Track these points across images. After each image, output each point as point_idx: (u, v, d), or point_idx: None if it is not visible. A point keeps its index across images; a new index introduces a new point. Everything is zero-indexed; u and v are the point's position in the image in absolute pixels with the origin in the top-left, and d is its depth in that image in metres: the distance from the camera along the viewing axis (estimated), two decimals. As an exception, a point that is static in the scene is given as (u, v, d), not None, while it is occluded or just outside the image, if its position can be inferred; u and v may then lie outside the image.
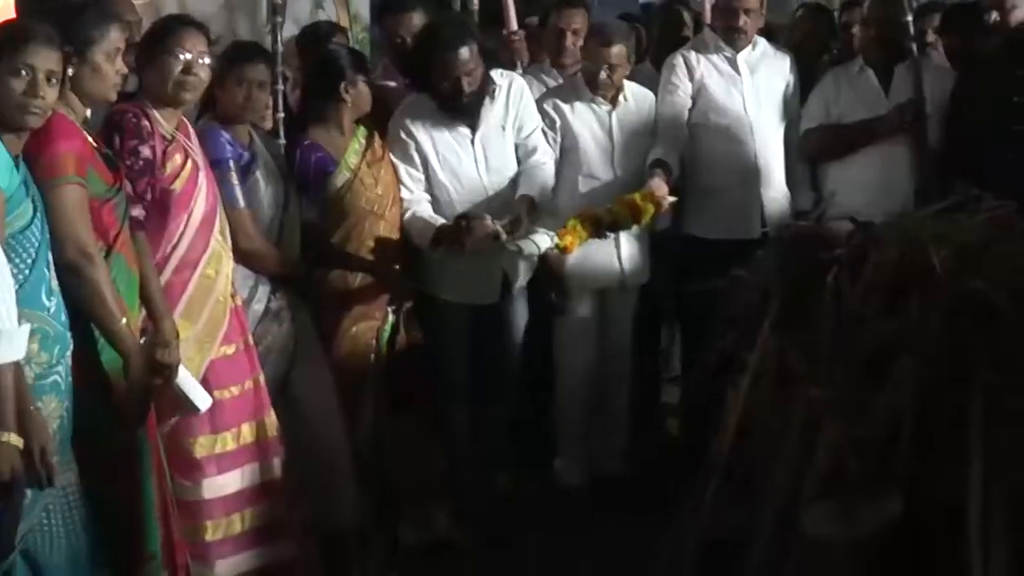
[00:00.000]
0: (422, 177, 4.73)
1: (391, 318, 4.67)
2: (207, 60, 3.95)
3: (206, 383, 3.91)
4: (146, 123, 3.84)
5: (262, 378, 4.12)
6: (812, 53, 5.83)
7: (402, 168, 4.71)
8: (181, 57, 3.87)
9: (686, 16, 6.09)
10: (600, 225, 4.71)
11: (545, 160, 4.89)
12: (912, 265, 3.44)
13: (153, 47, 3.92)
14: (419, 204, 4.69)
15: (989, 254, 3.38)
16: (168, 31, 3.95)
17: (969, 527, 3.18)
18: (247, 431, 4.05)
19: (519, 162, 4.87)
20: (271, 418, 4.12)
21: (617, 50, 5.04)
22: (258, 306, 4.27)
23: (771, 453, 3.64)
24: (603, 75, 5.06)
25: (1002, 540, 3.15)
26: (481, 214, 4.55)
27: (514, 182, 4.84)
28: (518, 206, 4.62)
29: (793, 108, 5.35)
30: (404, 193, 4.70)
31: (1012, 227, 3.47)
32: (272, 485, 4.11)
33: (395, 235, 4.71)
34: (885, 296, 3.52)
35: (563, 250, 4.65)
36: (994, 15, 4.81)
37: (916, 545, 3.29)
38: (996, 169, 4.47)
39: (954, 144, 4.94)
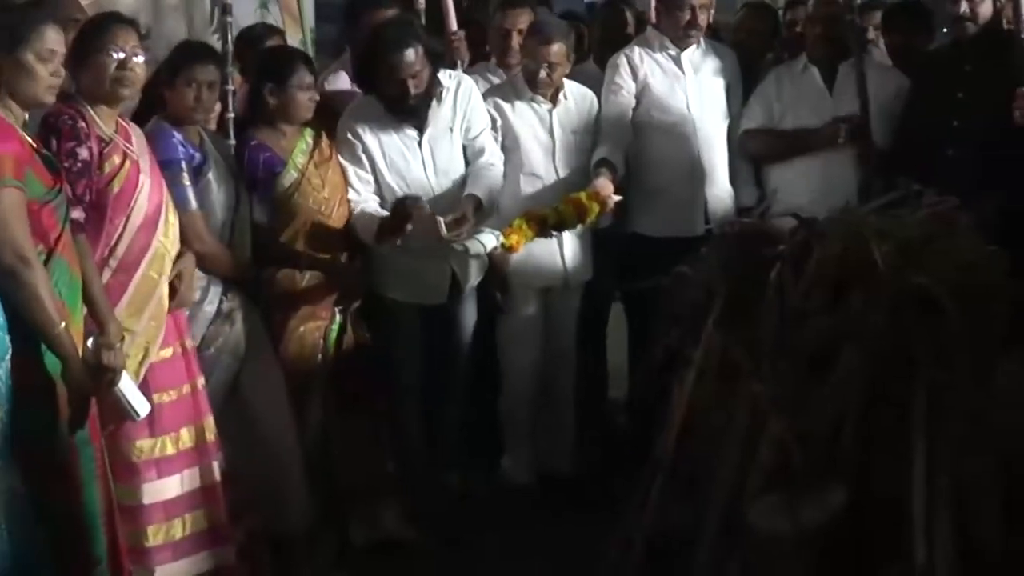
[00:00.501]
0: (370, 179, 4.71)
1: (338, 318, 4.64)
2: (141, 56, 3.89)
3: (145, 386, 3.87)
4: (82, 124, 3.79)
5: (201, 381, 4.09)
6: (756, 51, 5.83)
7: (350, 169, 4.69)
8: (115, 55, 3.81)
9: (628, 15, 6.08)
10: (546, 224, 4.71)
11: (494, 161, 4.88)
12: (855, 261, 3.49)
13: (86, 46, 3.85)
14: (366, 204, 4.67)
15: (931, 250, 3.43)
16: (100, 29, 3.89)
17: (913, 519, 3.22)
18: (186, 435, 4.02)
19: (468, 163, 4.87)
20: (210, 422, 4.09)
21: (557, 48, 5.04)
22: (209, 307, 4.24)
23: (716, 449, 3.67)
24: (543, 74, 5.05)
25: (946, 532, 3.20)
26: (419, 198, 4.55)
27: (462, 184, 4.82)
28: (464, 204, 4.61)
29: (736, 106, 5.36)
30: (352, 195, 4.67)
31: (954, 223, 3.51)
32: (212, 489, 4.07)
33: (343, 235, 4.67)
34: (828, 292, 3.57)
35: (509, 249, 4.64)
36: (963, 6, 4.80)
37: (861, 537, 3.32)
38: (939, 165, 4.51)
39: (902, 141, 4.98)
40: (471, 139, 4.85)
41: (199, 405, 4.06)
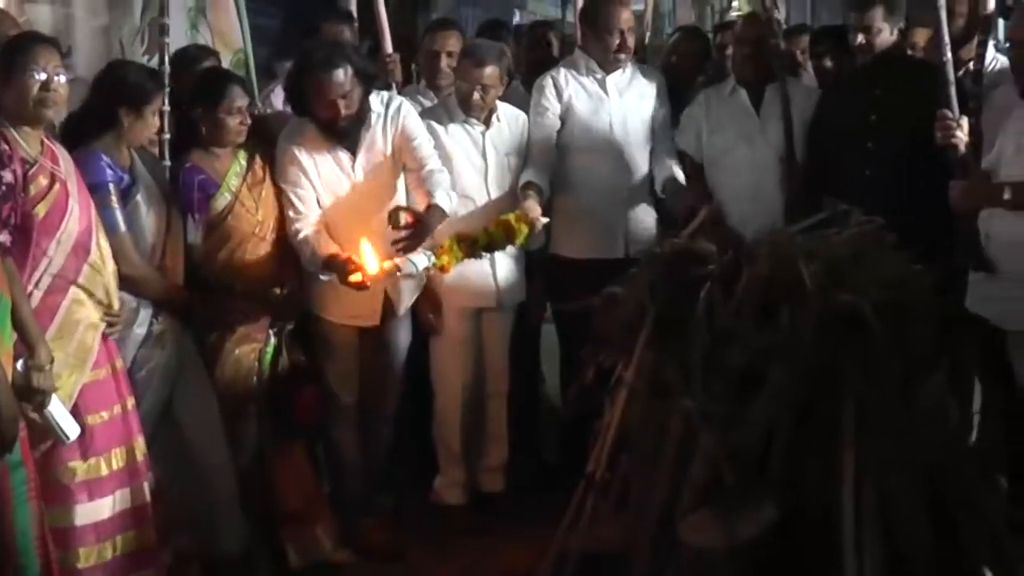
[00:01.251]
0: (312, 199, 4.70)
1: (273, 340, 4.64)
2: (64, 76, 3.88)
3: (76, 408, 3.85)
4: (5, 146, 3.74)
5: (131, 402, 4.07)
6: (688, 74, 5.91)
7: (290, 191, 4.67)
8: (37, 75, 3.79)
9: (553, 36, 6.13)
10: (476, 245, 4.73)
11: (441, 167, 4.84)
12: (783, 280, 3.54)
13: (7, 67, 3.82)
14: (309, 226, 4.65)
15: (857, 269, 3.48)
16: (21, 49, 3.85)
17: (843, 532, 3.28)
18: (118, 456, 3.99)
19: (413, 172, 4.84)
20: (140, 442, 4.07)
21: (490, 71, 5.07)
22: (140, 330, 4.22)
23: (648, 466, 3.70)
24: (476, 96, 5.09)
25: (875, 543, 3.26)
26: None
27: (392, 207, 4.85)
28: (433, 217, 4.60)
29: (662, 129, 5.43)
30: (292, 214, 4.65)
31: (880, 242, 3.58)
32: (143, 510, 4.05)
33: (277, 257, 4.67)
34: (757, 310, 3.61)
35: (441, 270, 4.66)
36: (860, 38, 4.93)
37: (793, 551, 3.37)
38: (859, 186, 4.60)
39: (817, 162, 5.07)
40: (412, 152, 4.81)
41: (130, 426, 4.04)
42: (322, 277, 4.61)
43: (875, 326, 3.36)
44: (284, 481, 4.61)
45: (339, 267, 4.51)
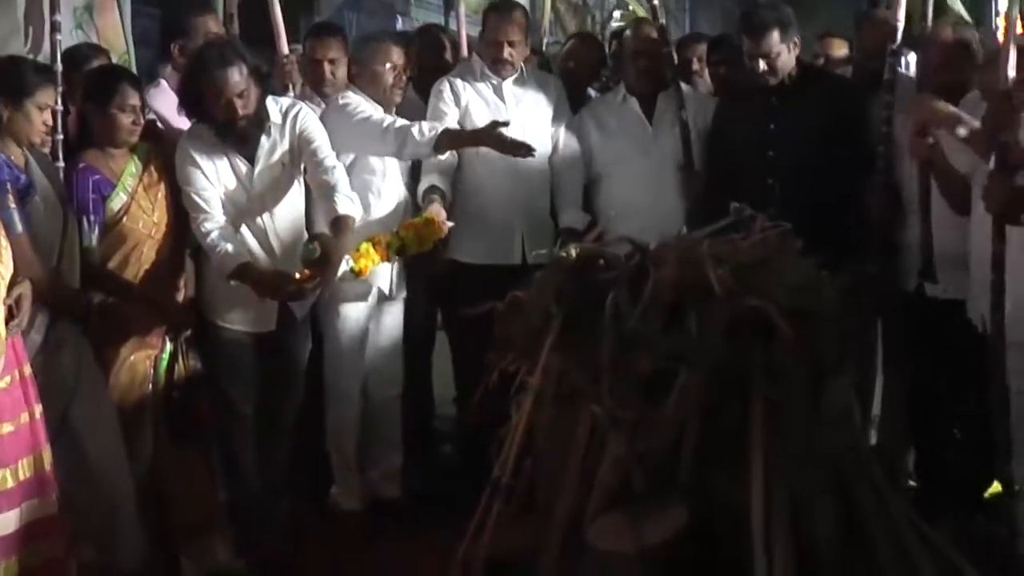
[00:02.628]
0: (215, 197, 4.62)
1: (169, 347, 4.54)
2: None
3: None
4: None
5: (39, 410, 3.92)
6: (583, 80, 5.94)
7: (192, 192, 4.58)
8: None
9: (445, 40, 6.11)
10: (390, 249, 4.73)
11: (337, 164, 4.78)
12: (691, 284, 3.56)
13: None
14: (219, 226, 4.57)
15: (764, 273, 3.52)
16: None
17: (753, 533, 3.31)
18: (26, 466, 3.85)
19: (313, 175, 4.78)
20: (47, 452, 3.92)
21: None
22: (37, 336, 4.07)
23: (556, 471, 3.70)
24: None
25: (784, 544, 3.29)
26: (286, 273, 4.58)
27: (296, 215, 4.83)
28: (343, 235, 4.57)
29: (560, 133, 5.45)
30: (199, 216, 4.56)
31: (786, 247, 3.63)
32: (50, 522, 3.90)
33: (173, 261, 4.61)
34: (665, 314, 3.63)
35: (358, 274, 4.65)
36: (761, 64, 4.99)
37: (702, 553, 3.39)
38: (760, 195, 4.65)
39: (718, 171, 5.13)
40: (311, 156, 4.76)
41: (37, 435, 3.90)
42: (231, 283, 4.54)
43: (782, 328, 3.40)
44: (180, 491, 4.52)
45: (253, 278, 4.48)
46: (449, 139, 4.98)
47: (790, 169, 4.89)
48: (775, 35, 4.97)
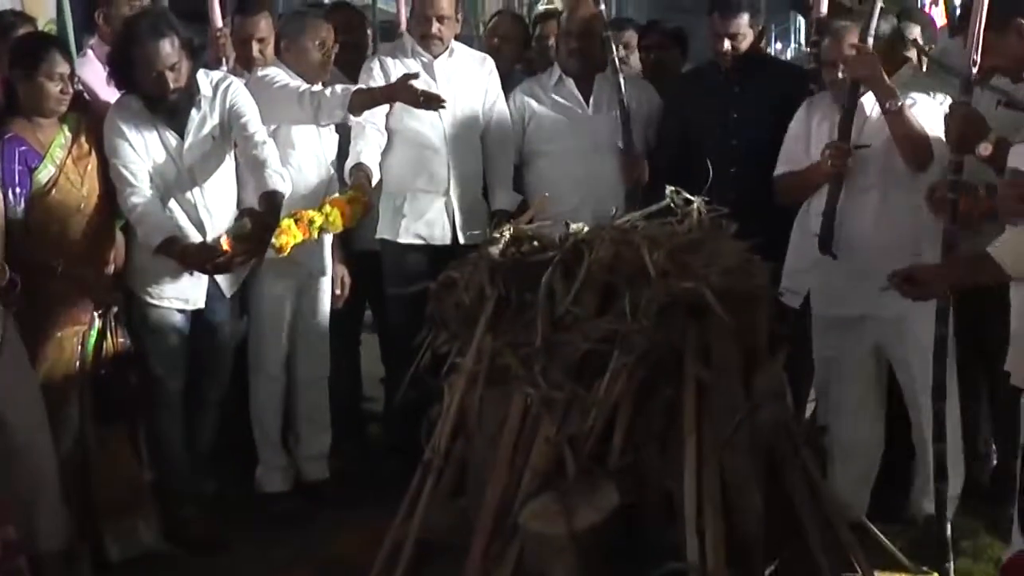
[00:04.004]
0: (143, 171, 4.54)
1: (98, 323, 4.46)
2: None
3: None
4: None
5: None
6: (508, 59, 5.91)
7: (119, 165, 4.50)
8: None
9: (361, 16, 6.03)
10: (313, 226, 4.66)
11: (267, 139, 4.71)
12: (625, 266, 3.57)
13: None
14: (145, 200, 4.50)
15: (699, 256, 3.53)
16: None
17: (684, 515, 3.33)
18: None
19: (242, 148, 4.71)
20: None
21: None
22: None
23: (488, 452, 3.69)
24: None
25: (715, 526, 3.31)
26: (213, 246, 4.51)
27: (226, 189, 4.75)
28: (271, 209, 4.51)
29: (493, 112, 5.42)
30: (126, 189, 4.48)
31: (721, 230, 3.65)
32: None
33: (103, 235, 4.53)
34: (598, 297, 3.64)
35: (278, 251, 4.57)
36: (726, 44, 5.04)
37: (634, 535, 3.41)
38: (724, 182, 4.66)
39: (672, 157, 5.15)
40: (240, 129, 4.69)
41: None
42: (158, 258, 4.48)
43: (716, 311, 3.42)
44: (105, 470, 4.46)
45: (180, 252, 4.42)
46: (360, 99, 4.91)
47: (752, 158, 4.93)
48: (745, 16, 5.07)
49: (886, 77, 4.37)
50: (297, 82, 4.94)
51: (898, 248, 4.32)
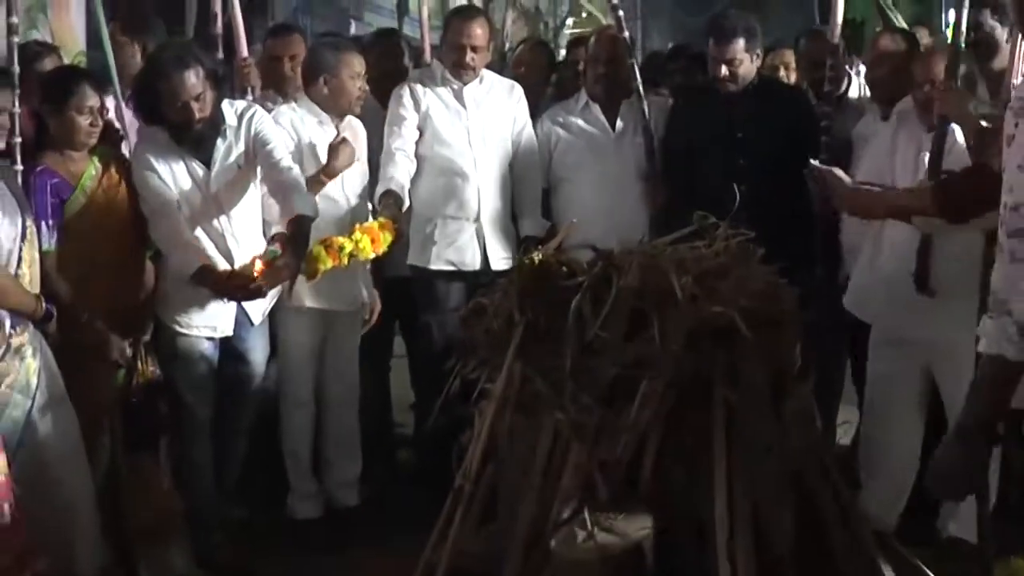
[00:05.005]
0: (172, 200, 4.58)
1: (128, 352, 4.49)
2: None
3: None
4: None
5: None
6: (535, 86, 5.95)
7: (149, 195, 4.55)
8: None
9: (403, 46, 6.09)
10: (343, 252, 4.69)
11: (293, 166, 4.73)
12: (654, 291, 3.57)
13: None
14: (176, 230, 4.55)
15: (727, 280, 3.53)
16: None
17: (716, 541, 3.32)
18: None
19: (268, 176, 4.74)
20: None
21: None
22: None
23: (519, 478, 3.69)
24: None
25: (747, 551, 3.30)
26: (245, 274, 4.51)
27: (253, 218, 4.80)
28: (300, 234, 4.53)
29: (521, 139, 5.44)
30: (155, 218, 4.53)
31: (747, 254, 3.64)
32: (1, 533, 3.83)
33: (134, 264, 4.59)
34: (627, 322, 3.64)
35: (309, 277, 4.60)
36: (723, 70, 5.08)
37: (666, 561, 3.40)
38: (729, 201, 4.65)
39: (679, 177, 5.16)
40: (266, 157, 4.71)
41: None
42: (189, 287, 4.51)
43: (744, 334, 3.42)
44: (137, 497, 4.47)
45: (214, 281, 4.46)
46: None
47: (758, 176, 4.94)
48: (740, 42, 5.09)
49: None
50: (286, 157, 4.81)
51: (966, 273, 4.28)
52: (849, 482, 3.75)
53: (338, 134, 5.03)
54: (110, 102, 4.85)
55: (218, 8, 5.56)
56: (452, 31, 5.41)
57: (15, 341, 4.07)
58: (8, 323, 4.06)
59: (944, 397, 4.55)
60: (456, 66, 5.35)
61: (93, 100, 4.42)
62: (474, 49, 5.33)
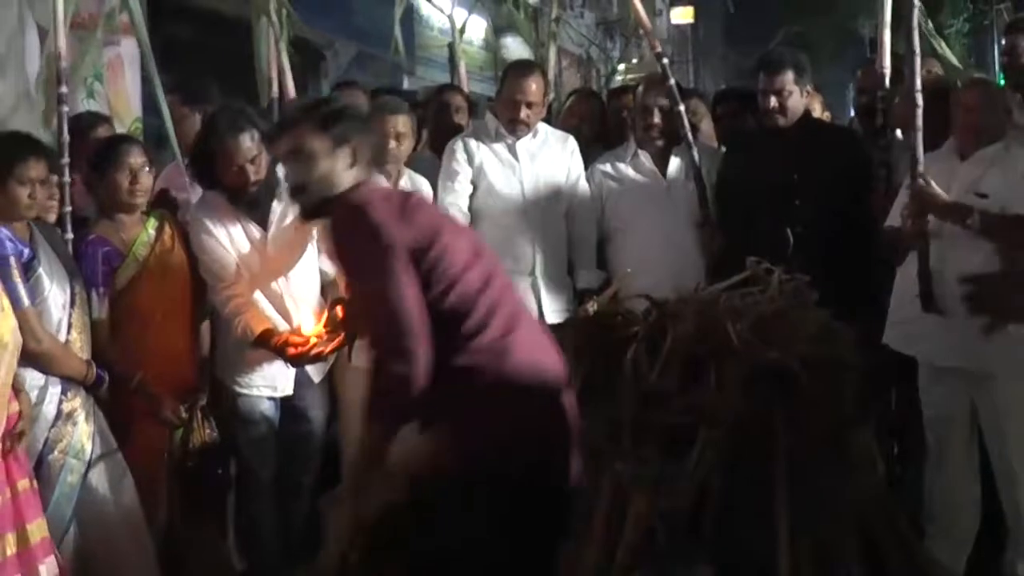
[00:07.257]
0: (232, 264, 4.60)
1: (184, 415, 4.52)
2: None
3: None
4: None
5: (23, 485, 3.84)
6: (588, 136, 5.95)
7: (209, 260, 4.59)
8: None
9: (462, 99, 6.12)
10: None
11: None
12: (709, 339, 3.58)
13: None
14: (238, 297, 4.56)
15: (783, 325, 3.53)
16: None
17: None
18: (10, 541, 3.76)
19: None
20: (36, 526, 3.84)
21: (404, 119, 5.12)
22: (49, 408, 4.08)
23: (581, 529, 3.69)
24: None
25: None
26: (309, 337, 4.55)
27: (313, 277, 4.81)
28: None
29: (576, 191, 5.45)
30: (216, 283, 4.57)
31: (802, 299, 3.64)
32: None
33: (186, 330, 4.62)
34: (684, 370, 3.64)
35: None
36: (772, 100, 5.07)
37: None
38: (784, 244, 4.66)
39: (735, 222, 5.15)
40: None
41: (21, 510, 3.81)
42: (251, 351, 4.56)
43: (803, 379, 3.41)
44: (195, 560, 4.48)
45: (278, 345, 4.50)
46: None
47: (814, 218, 4.94)
48: (790, 74, 5.07)
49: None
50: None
51: None
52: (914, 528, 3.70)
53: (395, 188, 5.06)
54: (171, 168, 4.92)
55: (274, 73, 5.63)
56: (508, 86, 5.42)
57: (67, 407, 4.12)
58: (58, 389, 4.12)
59: (985, 434, 4.47)
60: (511, 121, 5.36)
61: (135, 158, 4.46)
62: (529, 105, 5.34)
